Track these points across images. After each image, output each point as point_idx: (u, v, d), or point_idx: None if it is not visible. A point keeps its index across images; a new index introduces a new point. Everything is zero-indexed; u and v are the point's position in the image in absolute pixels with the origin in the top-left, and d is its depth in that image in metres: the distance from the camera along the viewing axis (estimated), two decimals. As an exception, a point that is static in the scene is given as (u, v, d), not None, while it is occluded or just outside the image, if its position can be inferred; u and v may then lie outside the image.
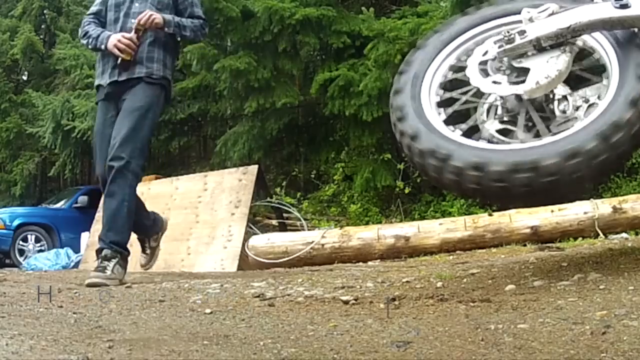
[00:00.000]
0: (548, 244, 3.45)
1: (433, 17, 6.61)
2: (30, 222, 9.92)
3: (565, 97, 1.92)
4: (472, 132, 1.97)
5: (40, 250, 9.67)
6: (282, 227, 6.65)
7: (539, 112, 1.94)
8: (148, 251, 3.11)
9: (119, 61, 2.89)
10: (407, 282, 2.23)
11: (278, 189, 8.19)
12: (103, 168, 2.86)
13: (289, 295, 2.07)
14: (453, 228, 3.97)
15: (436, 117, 1.94)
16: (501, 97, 1.94)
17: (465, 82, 1.99)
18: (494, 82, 1.92)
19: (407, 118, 1.92)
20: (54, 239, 10.20)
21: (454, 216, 5.57)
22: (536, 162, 1.70)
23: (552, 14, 1.89)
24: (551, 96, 1.93)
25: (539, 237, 3.77)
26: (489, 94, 1.97)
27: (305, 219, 6.81)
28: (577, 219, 3.81)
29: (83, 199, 10.61)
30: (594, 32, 1.90)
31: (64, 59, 9.42)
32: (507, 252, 3.31)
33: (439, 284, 2.08)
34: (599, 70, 1.94)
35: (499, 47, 1.90)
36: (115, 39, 2.89)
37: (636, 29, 1.85)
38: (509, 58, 1.91)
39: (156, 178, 7.03)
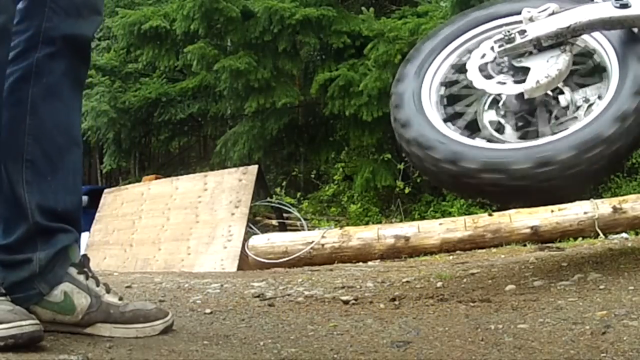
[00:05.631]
0: (548, 244, 3.45)
1: (433, 17, 6.63)
2: (30, 222, 9.91)
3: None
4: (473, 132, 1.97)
5: (40, 250, 9.66)
6: (282, 227, 6.65)
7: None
8: None
9: None
10: (407, 282, 2.22)
11: (278, 189, 8.19)
12: None
13: (289, 295, 2.07)
14: (453, 228, 3.97)
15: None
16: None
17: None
18: (499, 83, 1.91)
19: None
20: (54, 239, 10.18)
21: (454, 216, 5.57)
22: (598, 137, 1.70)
23: (552, 13, 1.89)
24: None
25: (539, 237, 3.77)
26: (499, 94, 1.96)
27: (305, 219, 6.81)
28: (577, 219, 3.81)
29: (83, 199, 10.59)
30: (594, 31, 1.90)
31: (64, 59, 9.41)
32: (507, 252, 3.31)
33: (439, 284, 2.08)
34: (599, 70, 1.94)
35: (499, 46, 1.90)
36: None
37: (636, 29, 1.86)
38: (510, 57, 1.91)
39: (156, 178, 7.03)
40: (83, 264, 1.46)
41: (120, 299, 1.48)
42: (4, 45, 1.36)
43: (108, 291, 1.48)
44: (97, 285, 1.46)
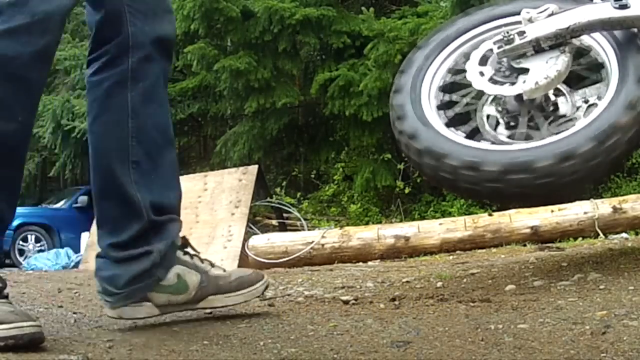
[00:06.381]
0: (548, 244, 3.45)
1: (433, 17, 6.64)
2: (30, 222, 9.92)
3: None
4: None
5: (40, 250, 9.68)
6: (282, 227, 6.66)
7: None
8: None
9: None
10: (407, 282, 2.22)
11: (278, 189, 8.20)
12: None
13: (289, 295, 2.07)
14: (453, 228, 3.97)
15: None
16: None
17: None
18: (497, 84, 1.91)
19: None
20: (54, 239, 10.20)
21: (454, 216, 5.58)
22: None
23: (552, 14, 1.89)
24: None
25: (539, 237, 3.77)
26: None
27: (305, 219, 6.82)
28: (577, 219, 3.81)
29: (83, 199, 10.62)
30: (593, 32, 1.90)
31: (64, 59, 9.42)
32: (507, 252, 3.31)
33: (439, 284, 2.08)
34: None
35: (499, 47, 1.90)
36: None
37: (636, 30, 1.86)
38: (509, 59, 1.91)
39: (156, 178, 7.03)
40: (185, 244, 1.57)
41: (224, 270, 1.61)
42: (45, 66, 1.36)
43: (212, 265, 1.59)
44: (202, 262, 1.58)
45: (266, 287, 1.66)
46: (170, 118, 1.63)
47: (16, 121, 1.30)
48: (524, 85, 1.85)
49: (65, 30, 11.38)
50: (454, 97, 2.04)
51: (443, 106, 2.00)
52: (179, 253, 1.55)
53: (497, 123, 1.98)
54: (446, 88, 2.04)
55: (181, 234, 1.60)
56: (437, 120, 1.93)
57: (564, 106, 1.94)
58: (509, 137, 1.93)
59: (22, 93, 1.31)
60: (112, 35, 1.49)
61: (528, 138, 1.91)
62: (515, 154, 1.77)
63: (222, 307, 1.58)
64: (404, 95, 1.98)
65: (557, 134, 1.82)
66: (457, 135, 1.90)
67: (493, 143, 1.90)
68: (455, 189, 2.01)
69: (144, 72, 1.50)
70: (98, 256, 1.55)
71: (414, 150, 1.88)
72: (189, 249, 1.58)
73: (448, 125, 1.95)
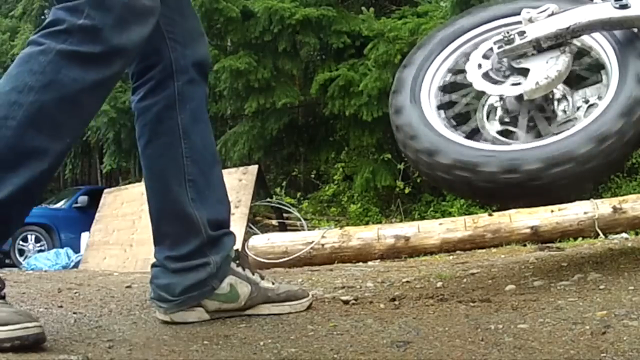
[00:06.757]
0: (548, 244, 3.45)
1: (433, 17, 6.64)
2: (30, 222, 9.90)
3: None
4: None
5: (40, 250, 9.68)
6: (282, 227, 6.66)
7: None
8: None
9: None
10: (407, 282, 2.22)
11: (278, 189, 8.20)
12: None
13: (289, 295, 2.07)
14: (453, 228, 3.97)
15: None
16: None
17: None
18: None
19: None
20: (54, 239, 10.20)
21: (454, 216, 5.58)
22: None
23: (552, 14, 1.89)
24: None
25: (539, 237, 3.78)
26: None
27: (305, 219, 6.82)
28: (577, 219, 3.81)
29: (83, 199, 10.62)
30: (593, 32, 1.90)
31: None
32: (507, 252, 3.31)
33: (439, 284, 2.08)
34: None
35: (499, 47, 1.90)
36: None
37: (636, 30, 1.86)
38: (509, 59, 1.91)
39: (156, 178, 7.03)
40: (238, 256, 1.66)
41: (273, 283, 1.70)
42: (104, 95, 1.37)
43: (262, 278, 1.68)
44: (253, 274, 1.67)
45: (310, 304, 1.72)
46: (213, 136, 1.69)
47: (64, 142, 1.30)
48: (510, 87, 1.85)
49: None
50: (458, 79, 2.02)
51: (444, 88, 1.99)
52: (233, 265, 1.63)
53: (494, 116, 1.97)
54: (457, 71, 2.02)
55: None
56: (429, 101, 1.91)
57: (562, 107, 1.94)
58: (497, 132, 1.93)
59: (75, 116, 1.31)
60: (155, 62, 1.54)
61: (514, 138, 1.90)
62: (464, 150, 1.77)
63: (269, 314, 1.64)
64: (410, 70, 1.97)
65: (543, 138, 1.82)
66: (438, 120, 1.88)
67: (466, 137, 1.88)
68: (418, 170, 2.00)
69: (189, 94, 1.57)
70: (154, 265, 1.61)
71: (395, 125, 1.88)
72: (239, 261, 1.67)
73: (440, 107, 1.94)
